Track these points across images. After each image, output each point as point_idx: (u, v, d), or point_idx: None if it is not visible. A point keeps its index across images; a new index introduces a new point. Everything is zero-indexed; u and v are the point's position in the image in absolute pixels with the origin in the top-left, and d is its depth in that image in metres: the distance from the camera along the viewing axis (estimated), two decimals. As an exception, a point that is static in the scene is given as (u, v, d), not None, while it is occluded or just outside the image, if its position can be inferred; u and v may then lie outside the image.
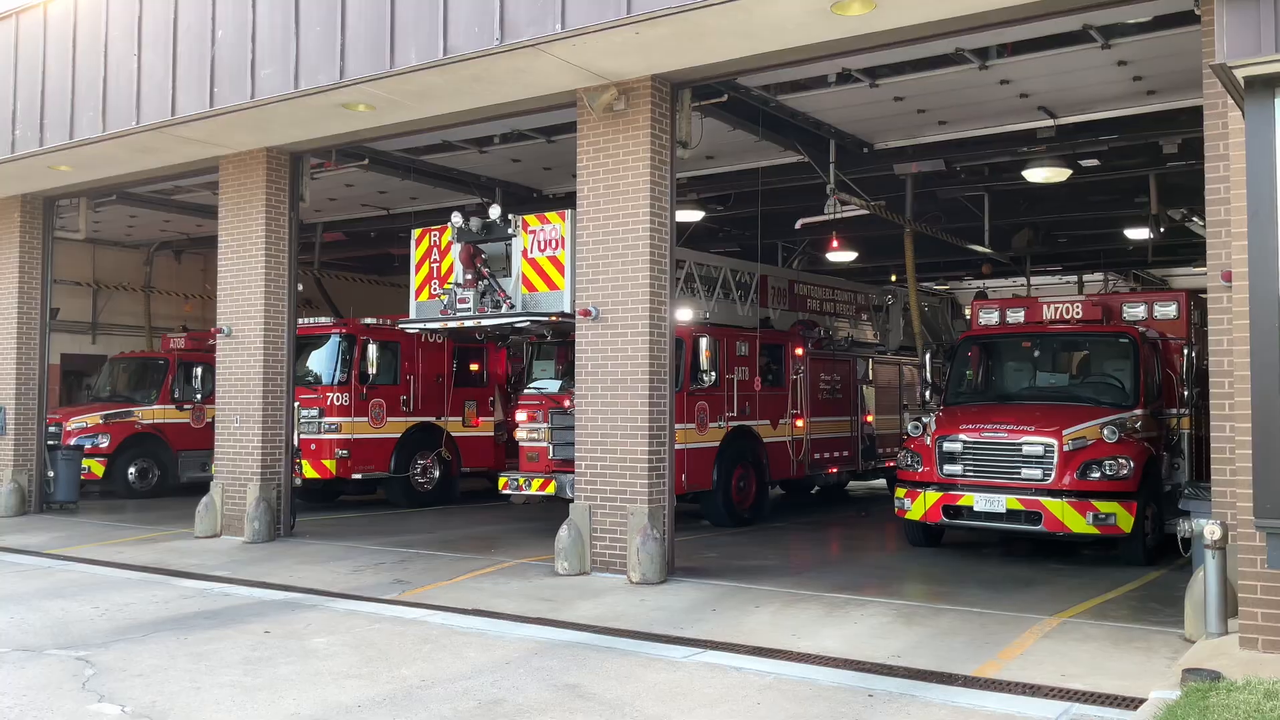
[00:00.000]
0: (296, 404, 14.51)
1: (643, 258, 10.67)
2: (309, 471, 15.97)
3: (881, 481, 19.42)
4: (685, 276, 14.33)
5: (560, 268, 12.64)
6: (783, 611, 9.05)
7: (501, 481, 14.08)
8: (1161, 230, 17.76)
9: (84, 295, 23.12)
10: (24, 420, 16.89)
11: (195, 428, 19.56)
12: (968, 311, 19.55)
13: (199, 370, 19.34)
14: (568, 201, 13.77)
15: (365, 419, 16.53)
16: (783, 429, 15.52)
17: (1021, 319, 13.31)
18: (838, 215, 14.63)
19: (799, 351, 16.05)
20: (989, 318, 13.59)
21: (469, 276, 13.16)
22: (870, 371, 18.02)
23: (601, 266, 10.93)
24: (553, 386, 14.27)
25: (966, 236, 18.50)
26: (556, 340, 14.33)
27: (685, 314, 13.74)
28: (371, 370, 16.30)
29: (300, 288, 15.01)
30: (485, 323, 13.15)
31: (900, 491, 12.06)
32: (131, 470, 19.27)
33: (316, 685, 6.88)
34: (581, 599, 9.57)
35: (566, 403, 13.29)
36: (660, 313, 10.77)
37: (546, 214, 12.95)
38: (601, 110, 10.80)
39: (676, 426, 11.67)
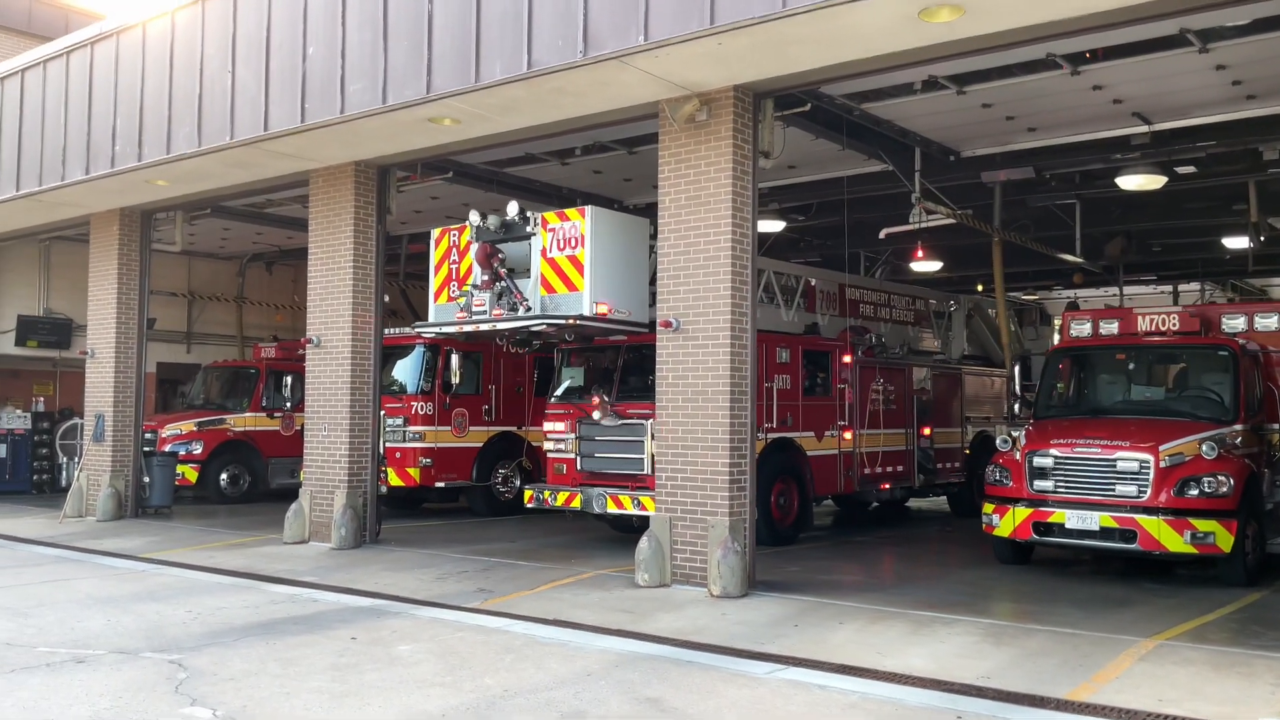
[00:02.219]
0: (382, 413, 14.72)
1: (724, 268, 10.62)
2: (394, 479, 16.20)
3: (942, 499, 18.60)
4: None
5: (579, 267, 12.16)
6: (867, 628, 8.89)
7: (527, 495, 13.79)
8: (1261, 239, 17.17)
9: (179, 306, 23.84)
10: (122, 427, 17.44)
11: (285, 435, 20.01)
12: (1057, 322, 19.12)
13: (288, 379, 19.76)
14: (649, 213, 13.79)
15: (448, 428, 16.72)
16: (829, 441, 14.59)
17: (1115, 330, 12.91)
18: (923, 225, 14.40)
19: (847, 359, 15.11)
20: (1081, 329, 13.20)
21: (486, 278, 12.67)
22: (929, 382, 16.95)
23: (682, 278, 10.90)
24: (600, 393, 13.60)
25: (1057, 245, 18.08)
26: (584, 345, 13.91)
27: None
28: (454, 380, 16.47)
29: (386, 299, 15.25)
30: (501, 326, 12.62)
31: (988, 507, 11.78)
32: (224, 476, 19.79)
33: (401, 692, 6.95)
34: (662, 611, 9.53)
35: (595, 412, 13.12)
36: (742, 324, 10.70)
37: (566, 210, 12.47)
38: (683, 121, 10.79)
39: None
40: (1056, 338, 19.54)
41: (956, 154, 14.31)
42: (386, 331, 15.96)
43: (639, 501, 12.27)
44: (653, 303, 12.04)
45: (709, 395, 10.61)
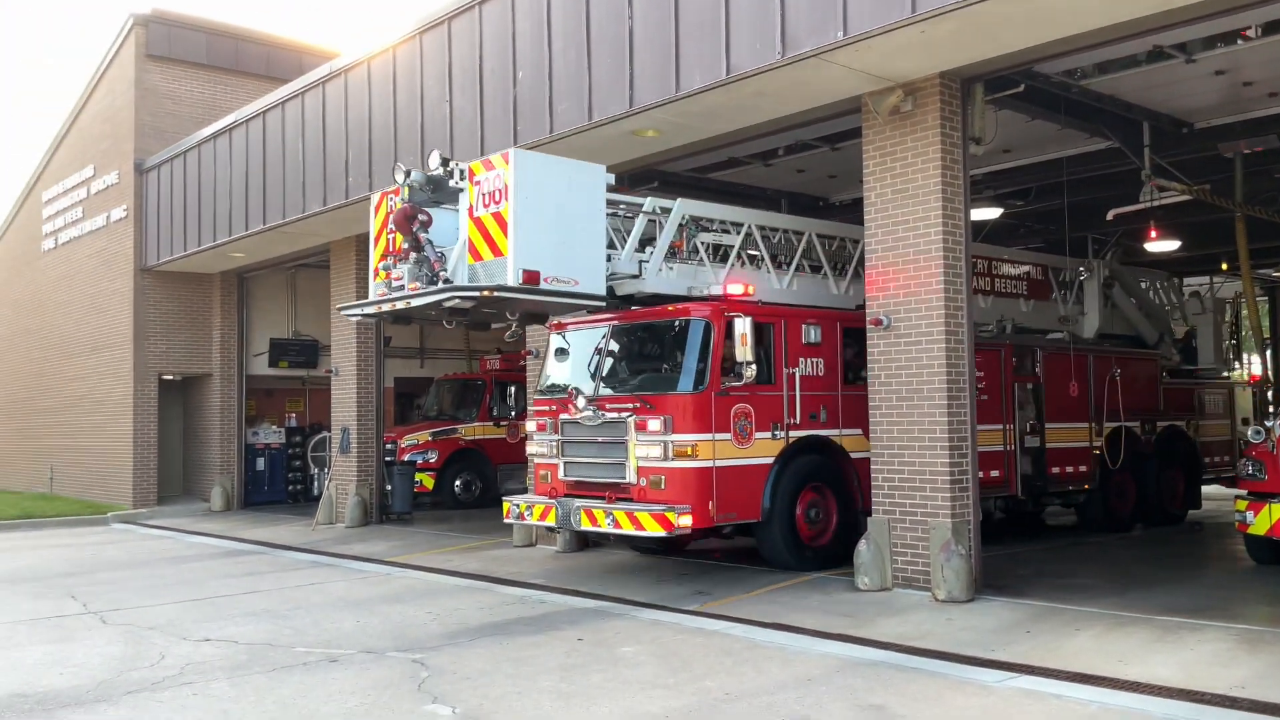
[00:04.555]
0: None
1: (935, 262, 10.32)
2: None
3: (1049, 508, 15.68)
4: (743, 241, 12.04)
5: (503, 226, 10.00)
6: (1106, 635, 8.42)
7: (505, 507, 11.96)
8: None
9: (412, 325, 25.22)
10: (364, 439, 18.69)
11: (511, 443, 20.88)
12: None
13: (512, 389, 20.60)
14: (855, 208, 13.52)
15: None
16: None
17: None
18: (1155, 203, 13.50)
19: None
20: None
21: (405, 246, 10.61)
22: (1039, 367, 13.84)
23: (891, 274, 10.66)
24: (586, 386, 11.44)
25: (1310, 217, 16.51)
26: (581, 323, 11.85)
27: (736, 287, 11.29)
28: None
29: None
30: (415, 303, 10.35)
31: (1241, 504, 10.93)
32: (457, 483, 20.88)
33: (625, 694, 7.13)
34: (884, 616, 9.35)
35: (574, 406, 11.13)
36: (957, 318, 10.36)
37: (492, 157, 10.35)
38: (887, 113, 10.57)
39: (699, 438, 10.39)
40: None
41: (1189, 126, 13.32)
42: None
43: (614, 517, 10.45)
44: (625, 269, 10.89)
45: (924, 394, 10.33)
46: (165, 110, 22.24)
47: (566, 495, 11.27)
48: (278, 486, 23.05)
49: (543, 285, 9.99)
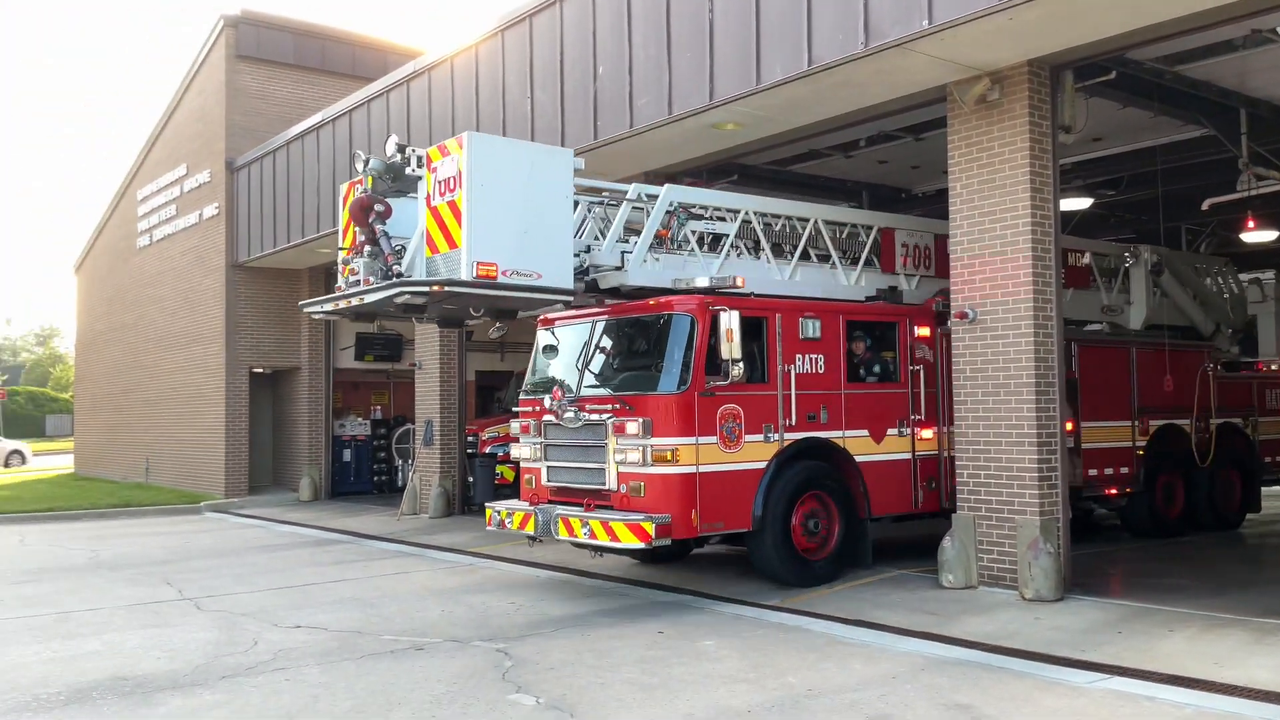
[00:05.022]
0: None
1: (1024, 254, 10.11)
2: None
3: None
4: (741, 229, 11.31)
5: (458, 215, 9.33)
6: (1200, 636, 8.18)
7: (488, 514, 11.21)
8: None
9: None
10: (447, 432, 18.99)
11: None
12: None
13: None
14: (939, 199, 13.30)
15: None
16: (893, 443, 11.32)
17: None
18: (1253, 192, 13.03)
19: (924, 333, 11.71)
20: None
21: (362, 238, 10.13)
22: (1074, 361, 12.66)
23: (978, 266, 10.48)
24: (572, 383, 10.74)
25: None
26: (568, 318, 11.13)
27: (723, 279, 10.36)
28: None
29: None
30: (368, 299, 9.73)
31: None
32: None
33: (707, 687, 7.13)
34: (969, 614, 9.21)
35: (546, 404, 10.49)
36: (1046, 311, 10.15)
37: (447, 142, 9.68)
38: (973, 103, 10.38)
39: (680, 441, 9.57)
40: None
41: (1291, 111, 12.85)
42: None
43: (590, 527, 9.78)
44: (582, 263, 10.23)
45: (1011, 389, 10.14)
46: (254, 109, 22.82)
47: (550, 501, 10.58)
48: (363, 477, 23.52)
49: (501, 279, 9.32)
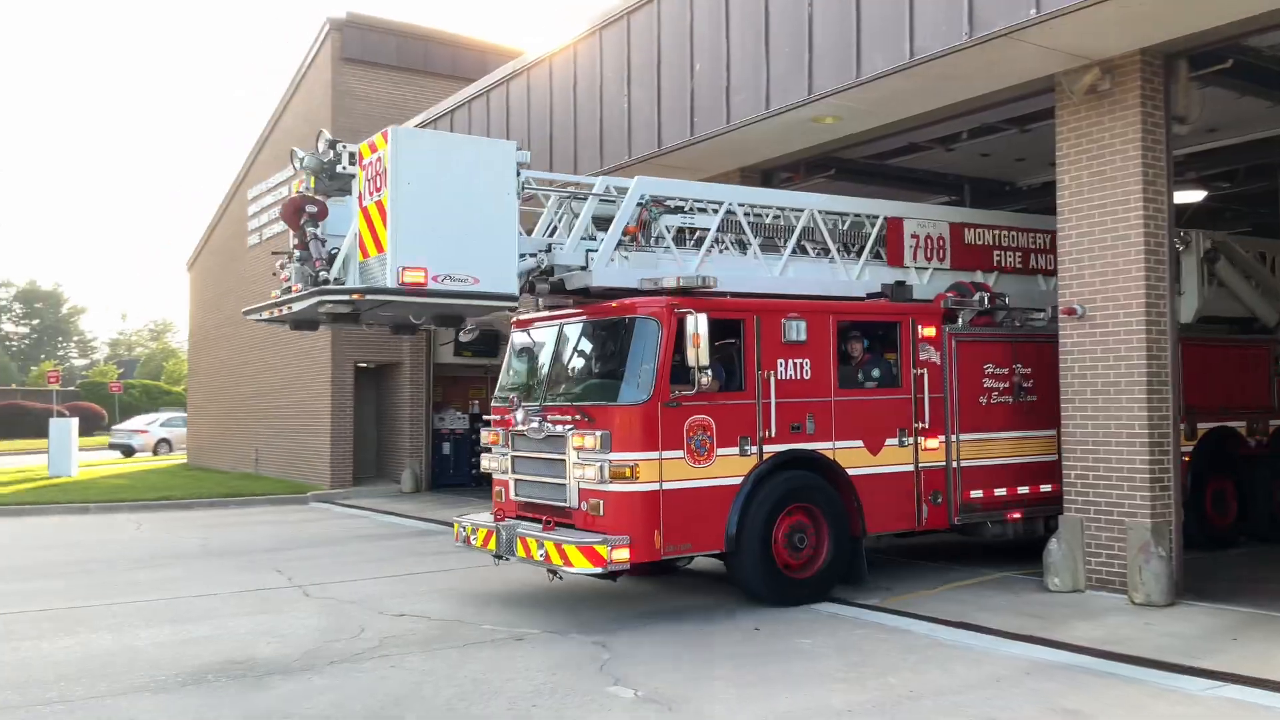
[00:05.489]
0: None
1: (1135, 248, 9.81)
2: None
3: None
4: (725, 222, 10.51)
5: (385, 216, 8.69)
6: (1325, 647, 7.84)
7: (455, 528, 10.62)
8: None
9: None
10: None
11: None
12: None
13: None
14: (1045, 193, 12.96)
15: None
16: (892, 454, 10.31)
17: None
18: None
19: (929, 333, 10.70)
20: None
21: (295, 242, 9.48)
22: None
23: (1086, 261, 10.19)
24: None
25: None
26: (543, 321, 10.32)
27: (693, 277, 9.52)
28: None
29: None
30: (296, 307, 9.27)
31: None
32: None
33: (805, 685, 7.09)
34: (1076, 619, 8.97)
35: (514, 418, 9.84)
36: (1159, 307, 9.83)
37: (375, 138, 9.00)
38: (1083, 93, 10.09)
39: (640, 456, 8.84)
40: None
41: None
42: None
43: (545, 548, 9.07)
44: (530, 265, 9.45)
45: (1121, 387, 9.85)
46: (359, 111, 23.36)
47: (517, 517, 9.93)
48: (463, 470, 23.92)
49: (431, 285, 8.61)
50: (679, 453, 9.08)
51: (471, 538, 10.14)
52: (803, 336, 9.87)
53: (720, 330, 9.40)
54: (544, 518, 9.54)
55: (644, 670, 7.53)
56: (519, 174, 9.41)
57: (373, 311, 9.33)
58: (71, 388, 63.32)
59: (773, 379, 9.64)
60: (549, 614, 9.59)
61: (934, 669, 7.50)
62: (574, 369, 10.15)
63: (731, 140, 12.86)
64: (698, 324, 8.83)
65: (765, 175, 14.75)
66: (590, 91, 14.64)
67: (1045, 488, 11.14)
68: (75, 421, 28.98)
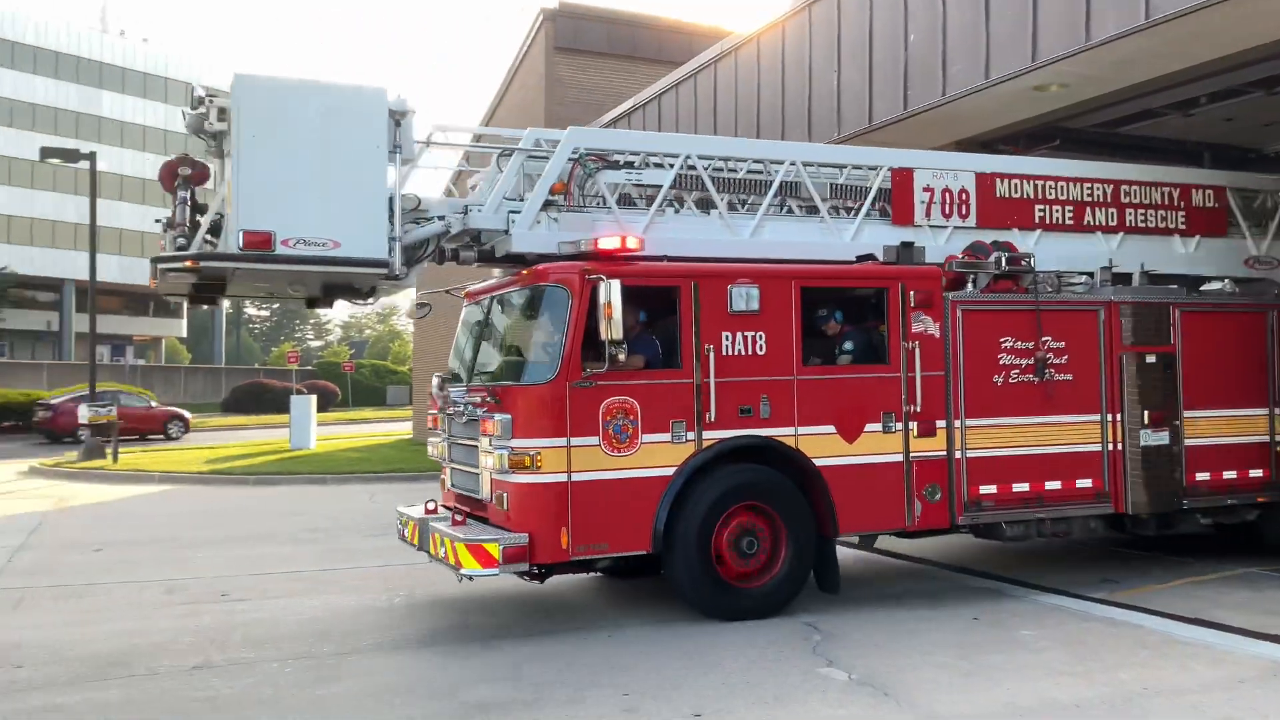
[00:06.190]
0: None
1: None
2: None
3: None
4: (683, 180, 9.27)
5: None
6: None
7: (400, 520, 9.56)
8: None
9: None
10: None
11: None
12: None
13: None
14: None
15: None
16: (874, 441, 8.85)
17: None
18: None
19: (923, 300, 9.06)
20: None
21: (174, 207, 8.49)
22: (1175, 333, 9.96)
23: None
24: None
25: None
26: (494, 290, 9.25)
27: (610, 240, 8.38)
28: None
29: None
30: (159, 279, 8.39)
31: None
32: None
33: (1029, 677, 6.85)
34: (1333, 619, 8.28)
35: (445, 397, 8.87)
36: None
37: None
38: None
39: (543, 443, 7.86)
40: None
41: None
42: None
43: (445, 545, 8.13)
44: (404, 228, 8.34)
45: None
46: (570, 99, 24.00)
47: (452, 508, 9.06)
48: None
49: (280, 250, 7.78)
50: (593, 439, 7.99)
51: (404, 530, 9.27)
52: (755, 306, 8.50)
53: (652, 299, 8.41)
54: (463, 510, 8.72)
55: (857, 653, 7.46)
56: (397, 124, 8.33)
57: (247, 282, 8.63)
58: (308, 367, 68.15)
59: (711, 354, 8.33)
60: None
61: (1170, 666, 7.09)
62: (494, 345, 9.28)
63: (947, 112, 12.49)
64: (610, 291, 7.72)
65: (983, 149, 14.19)
66: (799, 69, 14.51)
67: (1084, 483, 9.55)
68: (314, 398, 31.16)
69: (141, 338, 78.01)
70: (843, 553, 11.72)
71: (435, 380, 9.50)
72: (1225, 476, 10.15)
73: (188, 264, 7.88)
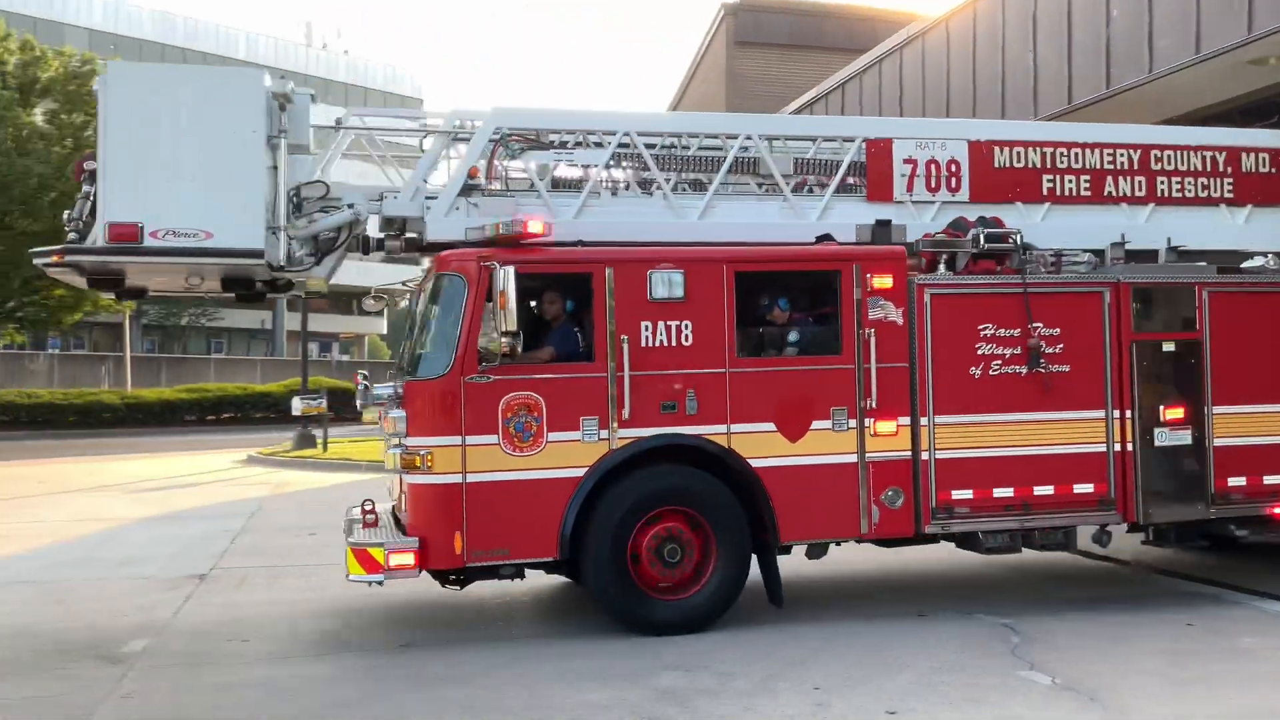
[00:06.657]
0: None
1: None
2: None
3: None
4: (617, 156, 8.57)
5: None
6: None
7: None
8: None
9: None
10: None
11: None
12: None
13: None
14: None
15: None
16: (822, 440, 8.00)
17: None
18: None
19: (884, 284, 8.09)
20: None
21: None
22: (1202, 318, 8.74)
23: None
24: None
25: None
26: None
27: (514, 225, 7.63)
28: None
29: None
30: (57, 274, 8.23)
31: None
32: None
33: (1252, 688, 6.45)
34: None
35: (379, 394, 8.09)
36: None
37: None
38: None
39: (435, 442, 7.42)
40: None
41: None
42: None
43: (346, 555, 7.64)
44: (293, 214, 7.84)
45: None
46: (750, 92, 23.98)
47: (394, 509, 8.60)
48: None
49: (149, 242, 7.46)
50: (491, 438, 7.50)
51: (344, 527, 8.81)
52: (679, 293, 7.81)
53: (574, 288, 7.93)
54: (370, 513, 8.17)
55: (1059, 657, 7.17)
56: (282, 109, 7.95)
57: (143, 275, 8.32)
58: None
59: (626, 346, 7.68)
60: (952, 594, 9.39)
61: None
62: (411, 339, 8.82)
63: (1153, 90, 11.86)
64: (505, 280, 7.21)
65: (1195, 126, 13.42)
66: (991, 51, 14.06)
67: (1083, 487, 8.52)
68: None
69: (346, 335, 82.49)
70: (1028, 552, 11.32)
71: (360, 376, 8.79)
72: (1267, 482, 8.85)
73: (54, 259, 7.68)
